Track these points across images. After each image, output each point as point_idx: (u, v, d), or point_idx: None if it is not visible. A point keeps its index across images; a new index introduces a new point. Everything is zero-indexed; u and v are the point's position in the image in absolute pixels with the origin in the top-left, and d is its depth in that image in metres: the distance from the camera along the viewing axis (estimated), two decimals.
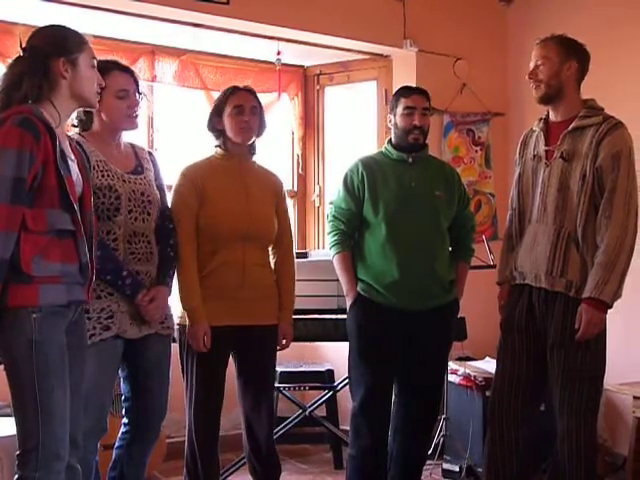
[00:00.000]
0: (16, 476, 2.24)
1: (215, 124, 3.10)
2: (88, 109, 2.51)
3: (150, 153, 2.95)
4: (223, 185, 3.06)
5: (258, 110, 3.12)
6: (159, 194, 2.86)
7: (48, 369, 2.21)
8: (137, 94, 2.77)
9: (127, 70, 2.79)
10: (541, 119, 3.02)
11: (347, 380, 3.85)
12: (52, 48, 2.30)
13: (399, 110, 3.20)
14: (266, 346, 3.13)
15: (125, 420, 2.89)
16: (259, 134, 3.16)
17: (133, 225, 2.72)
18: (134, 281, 2.69)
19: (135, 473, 2.89)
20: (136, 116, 2.78)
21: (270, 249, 3.19)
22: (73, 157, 2.38)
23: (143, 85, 2.86)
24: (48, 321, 2.23)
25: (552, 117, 2.98)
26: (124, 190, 2.70)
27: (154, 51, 4.29)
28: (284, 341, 3.17)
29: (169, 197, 3.00)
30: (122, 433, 2.90)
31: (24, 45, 2.32)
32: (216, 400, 3.10)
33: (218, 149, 3.13)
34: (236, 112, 3.06)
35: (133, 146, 2.88)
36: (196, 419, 3.07)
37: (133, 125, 2.79)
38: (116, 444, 2.91)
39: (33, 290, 2.21)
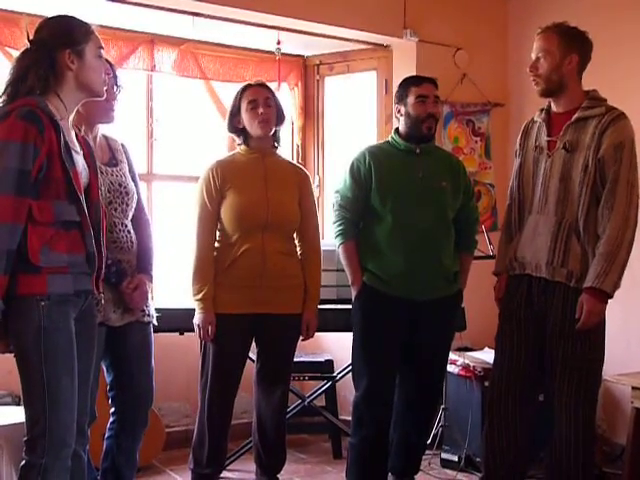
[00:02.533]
0: (23, 462, 2.27)
1: (235, 124, 3.22)
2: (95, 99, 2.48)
3: (123, 145, 2.93)
4: (244, 178, 3.17)
5: (272, 101, 3.22)
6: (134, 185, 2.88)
7: (56, 356, 2.23)
8: (115, 87, 2.75)
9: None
10: (542, 110, 3.01)
11: (346, 370, 3.87)
12: (58, 40, 2.29)
13: (410, 99, 3.18)
14: (286, 335, 3.20)
15: (112, 410, 2.90)
16: (279, 123, 3.26)
17: (113, 216, 2.74)
18: (118, 269, 2.74)
19: (126, 462, 2.89)
20: (114, 110, 2.76)
21: (297, 241, 3.26)
22: (79, 149, 2.38)
23: (121, 78, 2.82)
24: (56, 309, 2.25)
25: (554, 108, 2.97)
26: (103, 181, 2.69)
27: (153, 40, 4.26)
28: (308, 331, 3.23)
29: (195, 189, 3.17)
30: (110, 423, 2.91)
31: (31, 37, 2.32)
32: (232, 388, 3.17)
33: (242, 146, 3.24)
34: (251, 107, 3.17)
35: (106, 138, 2.87)
36: (210, 407, 3.11)
37: (109, 119, 2.78)
38: (106, 434, 2.92)
39: (41, 279, 2.23)
